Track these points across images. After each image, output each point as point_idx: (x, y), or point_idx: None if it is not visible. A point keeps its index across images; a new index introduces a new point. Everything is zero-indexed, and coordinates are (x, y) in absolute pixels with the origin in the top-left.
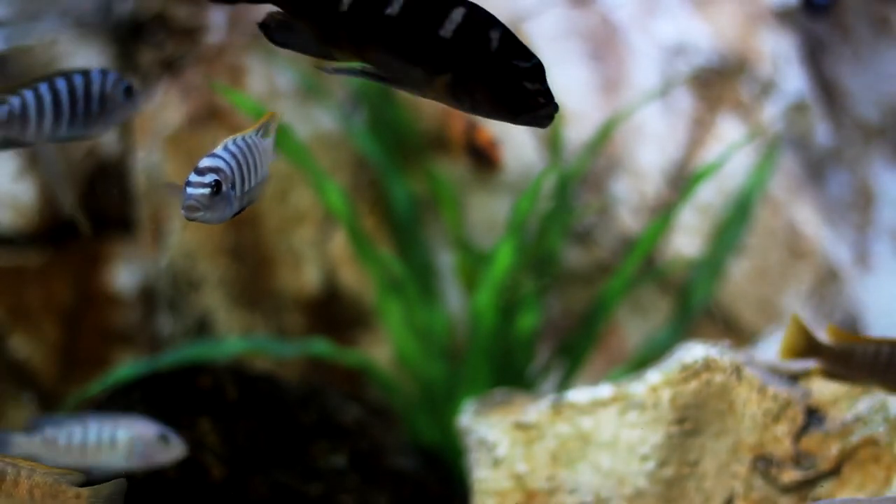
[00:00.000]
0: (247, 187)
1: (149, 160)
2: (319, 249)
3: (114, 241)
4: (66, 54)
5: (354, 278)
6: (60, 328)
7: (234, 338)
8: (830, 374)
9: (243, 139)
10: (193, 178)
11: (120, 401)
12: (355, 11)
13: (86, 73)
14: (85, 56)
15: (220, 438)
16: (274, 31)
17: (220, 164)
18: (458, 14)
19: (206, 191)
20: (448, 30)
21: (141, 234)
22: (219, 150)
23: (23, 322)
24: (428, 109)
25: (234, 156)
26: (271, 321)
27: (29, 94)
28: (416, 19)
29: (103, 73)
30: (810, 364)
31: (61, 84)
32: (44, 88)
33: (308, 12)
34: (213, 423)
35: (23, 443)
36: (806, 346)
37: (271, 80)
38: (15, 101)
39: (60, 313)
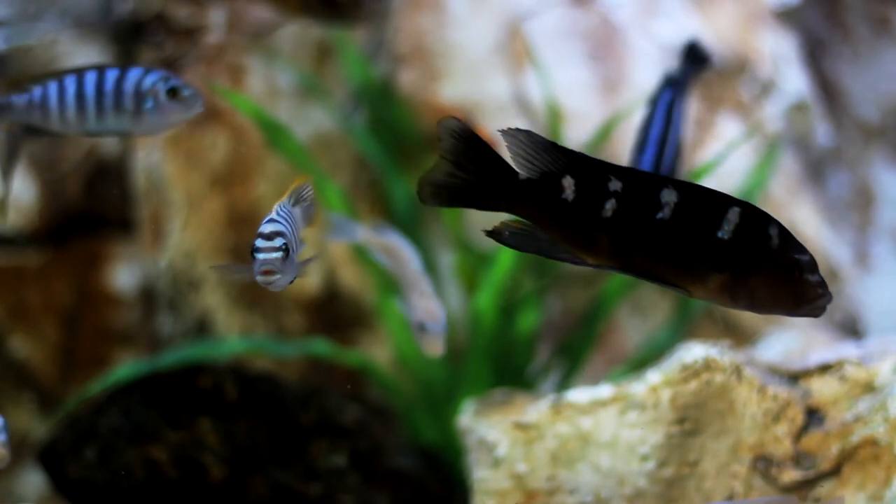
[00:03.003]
0: (297, 251)
1: (149, 160)
2: (319, 250)
3: (114, 241)
4: (66, 54)
5: (354, 278)
6: (60, 328)
7: (234, 338)
8: None
9: (285, 206)
10: (263, 243)
11: (120, 401)
12: (621, 218)
13: (122, 69)
14: (85, 56)
15: (220, 438)
16: (507, 238)
17: (282, 228)
18: (734, 214)
19: (280, 254)
20: (727, 230)
21: (141, 234)
22: (274, 215)
23: (23, 322)
24: (427, 109)
25: (286, 220)
26: (271, 321)
27: (52, 85)
28: (691, 222)
29: (145, 70)
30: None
31: (90, 77)
32: (69, 80)
33: (564, 222)
34: (213, 423)
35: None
36: None
37: (271, 80)
38: (36, 90)
39: (60, 313)
